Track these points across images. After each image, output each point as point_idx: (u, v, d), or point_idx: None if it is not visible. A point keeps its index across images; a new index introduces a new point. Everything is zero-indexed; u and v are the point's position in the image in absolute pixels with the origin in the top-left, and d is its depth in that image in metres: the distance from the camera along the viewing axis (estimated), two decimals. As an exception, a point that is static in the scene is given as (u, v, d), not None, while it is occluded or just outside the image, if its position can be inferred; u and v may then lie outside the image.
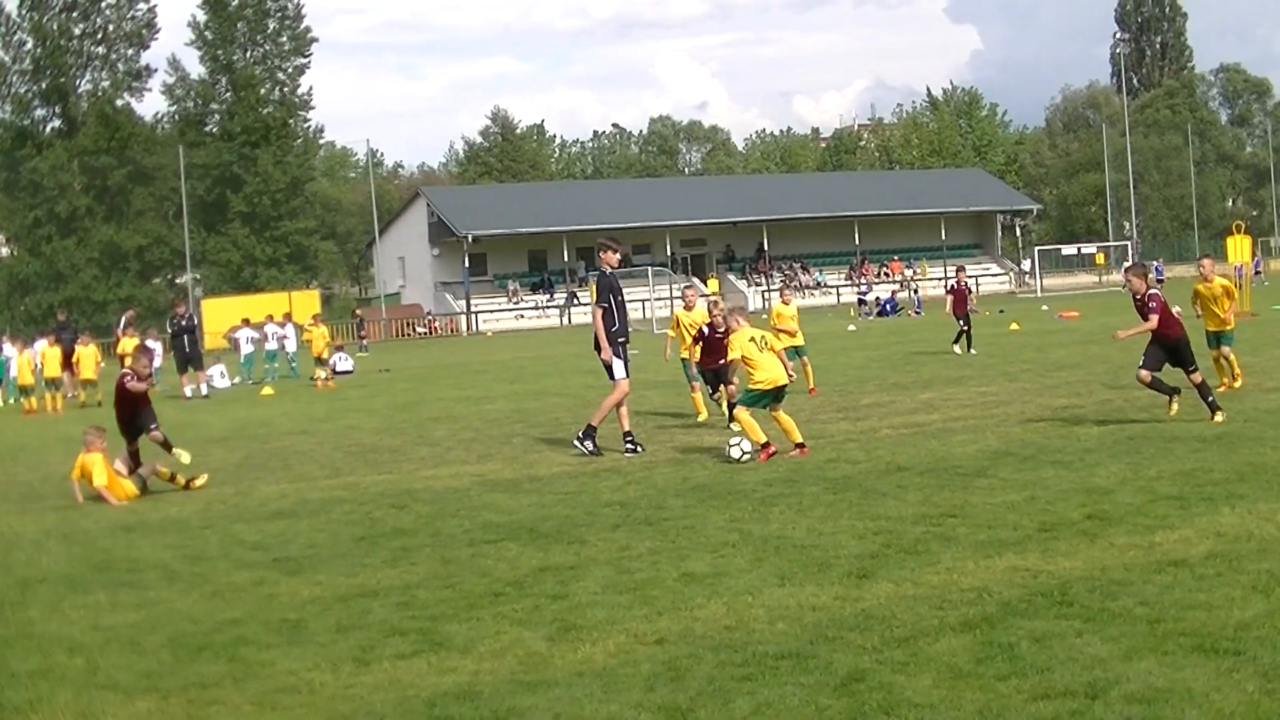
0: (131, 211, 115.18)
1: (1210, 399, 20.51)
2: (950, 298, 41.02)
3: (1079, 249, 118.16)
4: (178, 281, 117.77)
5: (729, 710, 8.36)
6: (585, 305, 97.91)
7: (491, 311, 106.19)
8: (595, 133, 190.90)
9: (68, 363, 45.21)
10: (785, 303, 31.15)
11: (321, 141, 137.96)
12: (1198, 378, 20.83)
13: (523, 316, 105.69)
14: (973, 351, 38.42)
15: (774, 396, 19.94)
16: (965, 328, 39.42)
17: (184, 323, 44.92)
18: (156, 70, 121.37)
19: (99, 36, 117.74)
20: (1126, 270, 28.76)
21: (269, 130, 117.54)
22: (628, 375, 21.65)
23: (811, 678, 8.88)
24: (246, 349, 53.97)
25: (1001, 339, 45.91)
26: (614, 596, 11.51)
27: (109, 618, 12.11)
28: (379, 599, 12.03)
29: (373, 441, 25.53)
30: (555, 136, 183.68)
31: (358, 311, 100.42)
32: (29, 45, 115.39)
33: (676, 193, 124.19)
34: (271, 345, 53.32)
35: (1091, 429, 20.33)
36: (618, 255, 21.93)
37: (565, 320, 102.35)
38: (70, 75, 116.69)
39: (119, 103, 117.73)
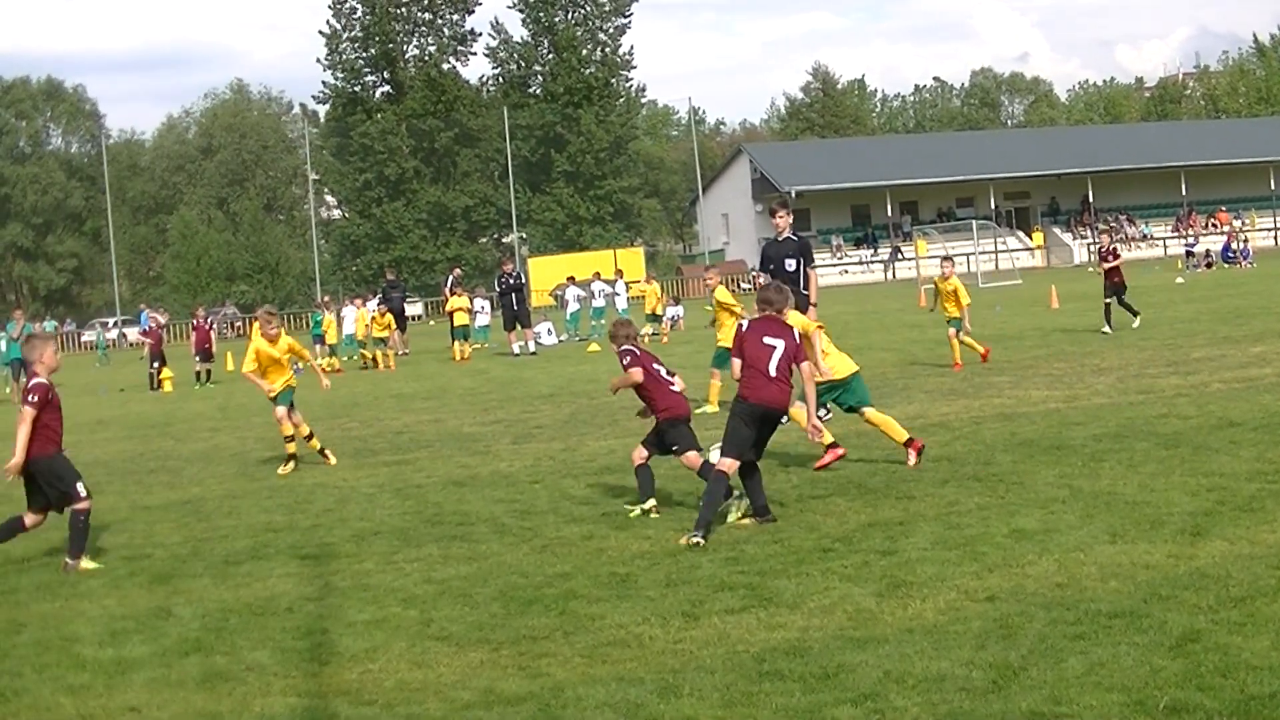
0: (458, 173, 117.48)
1: None
2: None
3: None
4: (504, 241, 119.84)
5: (1061, 670, 8.20)
6: (909, 259, 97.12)
7: (815, 267, 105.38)
8: (916, 86, 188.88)
9: (399, 321, 46.38)
10: (945, 277, 29.71)
11: (643, 100, 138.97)
12: None
13: (846, 272, 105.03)
14: None
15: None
16: None
17: (511, 281, 45.56)
18: (480, 34, 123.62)
19: (425, 3, 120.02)
20: None
21: (591, 90, 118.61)
22: None
23: (1145, 638, 8.67)
24: (573, 306, 54.72)
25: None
26: (943, 553, 11.36)
27: (441, 570, 12.34)
28: (707, 554, 12.05)
29: (700, 398, 25.53)
30: (876, 91, 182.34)
31: (681, 269, 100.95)
32: (359, 13, 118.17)
33: (999, 145, 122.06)
34: (599, 302, 53.93)
35: None
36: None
37: (889, 275, 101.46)
38: (398, 41, 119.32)
39: (445, 67, 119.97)
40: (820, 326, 16.80)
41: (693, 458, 14.43)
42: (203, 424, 29.09)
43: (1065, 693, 7.80)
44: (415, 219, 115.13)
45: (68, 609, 12.13)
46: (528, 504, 15.55)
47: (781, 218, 20.79)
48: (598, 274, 57.13)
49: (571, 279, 61.02)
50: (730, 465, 13.14)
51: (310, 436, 20.67)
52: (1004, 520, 12.37)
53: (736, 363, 13.57)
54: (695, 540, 12.52)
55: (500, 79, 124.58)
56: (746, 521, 13.58)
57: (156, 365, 44.03)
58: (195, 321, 47.70)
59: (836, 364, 16.80)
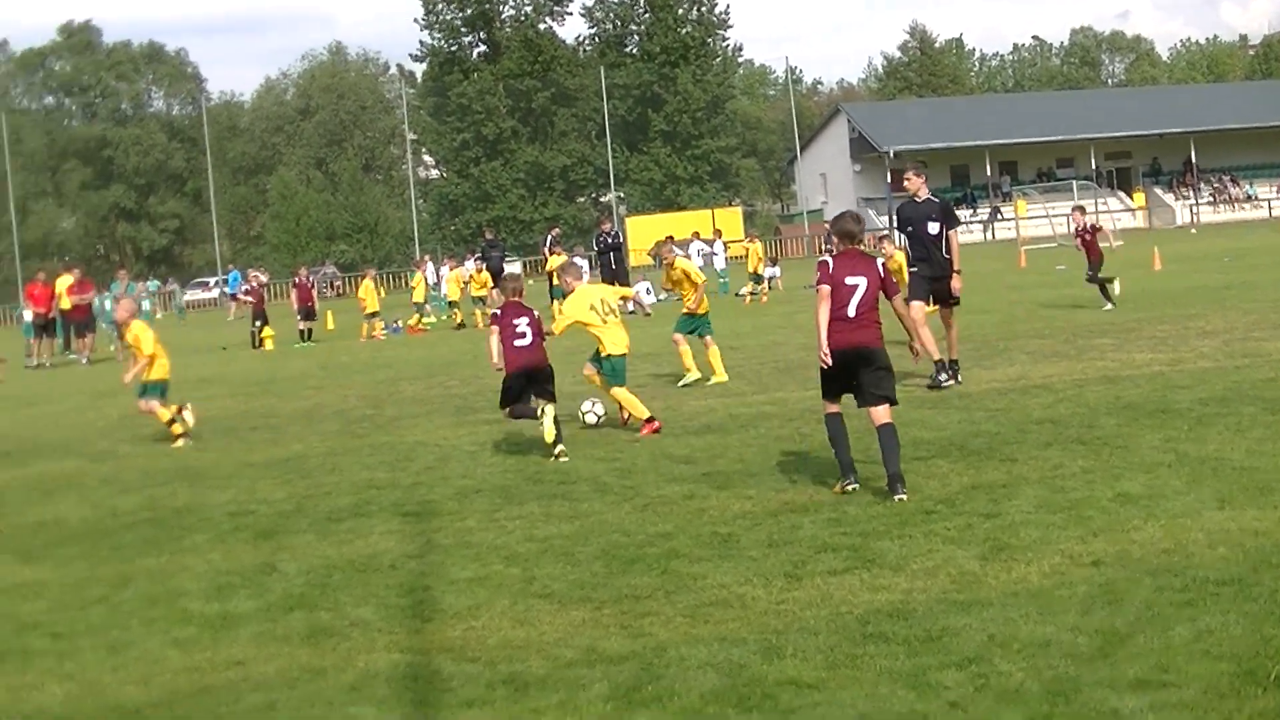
0: (555, 132, 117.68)
1: None
2: None
3: None
4: (601, 200, 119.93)
5: (1168, 637, 8.11)
6: (1009, 220, 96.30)
7: (958, 229, 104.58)
8: (1015, 45, 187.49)
9: (497, 281, 46.43)
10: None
11: (740, 60, 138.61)
12: None
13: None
14: None
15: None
16: None
17: (609, 240, 45.70)
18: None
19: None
20: None
21: (687, 50, 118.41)
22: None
23: (1255, 606, 8.56)
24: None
25: None
26: (1047, 516, 11.27)
27: (543, 528, 12.39)
28: (809, 515, 12.01)
29: (798, 358, 25.45)
30: (974, 50, 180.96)
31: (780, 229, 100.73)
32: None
33: (1100, 105, 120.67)
34: (697, 261, 53.84)
35: None
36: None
37: (989, 235, 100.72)
38: (494, 1, 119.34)
39: (541, 26, 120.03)
40: None
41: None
42: (305, 382, 29.31)
43: (1172, 661, 7.71)
44: (513, 178, 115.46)
45: (173, 563, 12.29)
46: (628, 463, 15.56)
47: (914, 179, 20.29)
48: (696, 234, 57.14)
49: (670, 238, 60.95)
50: (830, 406, 12.99)
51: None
52: (1108, 484, 12.25)
53: (824, 294, 12.91)
54: (849, 487, 12.64)
55: (596, 38, 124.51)
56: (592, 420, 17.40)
57: (259, 324, 44.46)
58: (297, 280, 48.13)
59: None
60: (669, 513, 12.64)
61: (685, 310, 23.08)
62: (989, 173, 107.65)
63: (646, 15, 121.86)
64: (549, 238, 52.56)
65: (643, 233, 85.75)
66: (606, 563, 10.94)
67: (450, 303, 46.87)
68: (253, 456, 18.68)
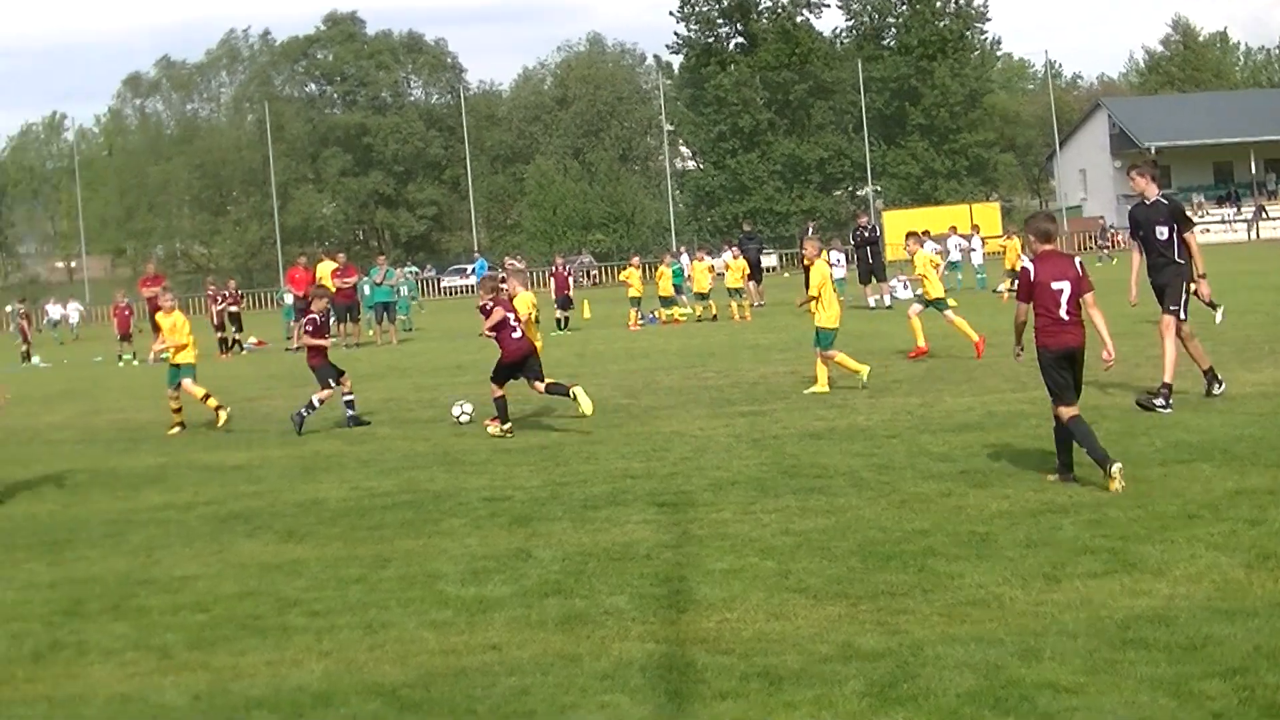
0: (812, 125, 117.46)
1: None
2: None
3: None
4: (858, 194, 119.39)
5: None
6: (1275, 219, 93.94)
7: (1193, 230, 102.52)
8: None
9: (755, 273, 46.51)
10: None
11: (998, 53, 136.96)
12: None
13: (1208, 230, 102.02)
14: None
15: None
16: None
17: (866, 234, 45.42)
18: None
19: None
20: None
21: (945, 43, 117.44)
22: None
23: None
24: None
25: None
26: (1317, 524, 10.98)
27: (799, 522, 12.36)
28: (1068, 515, 11.84)
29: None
30: (1239, 44, 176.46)
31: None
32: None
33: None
34: (954, 256, 53.44)
35: None
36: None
37: (1253, 235, 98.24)
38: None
39: (798, 19, 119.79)
40: None
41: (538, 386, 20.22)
42: (561, 370, 29.50)
43: None
44: (769, 170, 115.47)
45: (431, 546, 12.50)
46: (885, 458, 15.46)
47: (1138, 179, 18.82)
48: (953, 228, 56.59)
49: (925, 233, 60.51)
50: (1066, 411, 13.08)
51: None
52: (1386, 493, 11.89)
53: (1024, 306, 13.45)
54: (1114, 469, 12.69)
55: (853, 31, 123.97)
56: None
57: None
58: (554, 269, 48.59)
59: None
60: (926, 510, 12.55)
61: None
62: (1253, 170, 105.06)
63: (904, 8, 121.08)
64: (810, 228, 52.47)
65: (899, 227, 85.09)
66: (863, 558, 10.89)
67: (700, 294, 46.90)
68: (509, 443, 18.92)
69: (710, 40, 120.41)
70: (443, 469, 16.96)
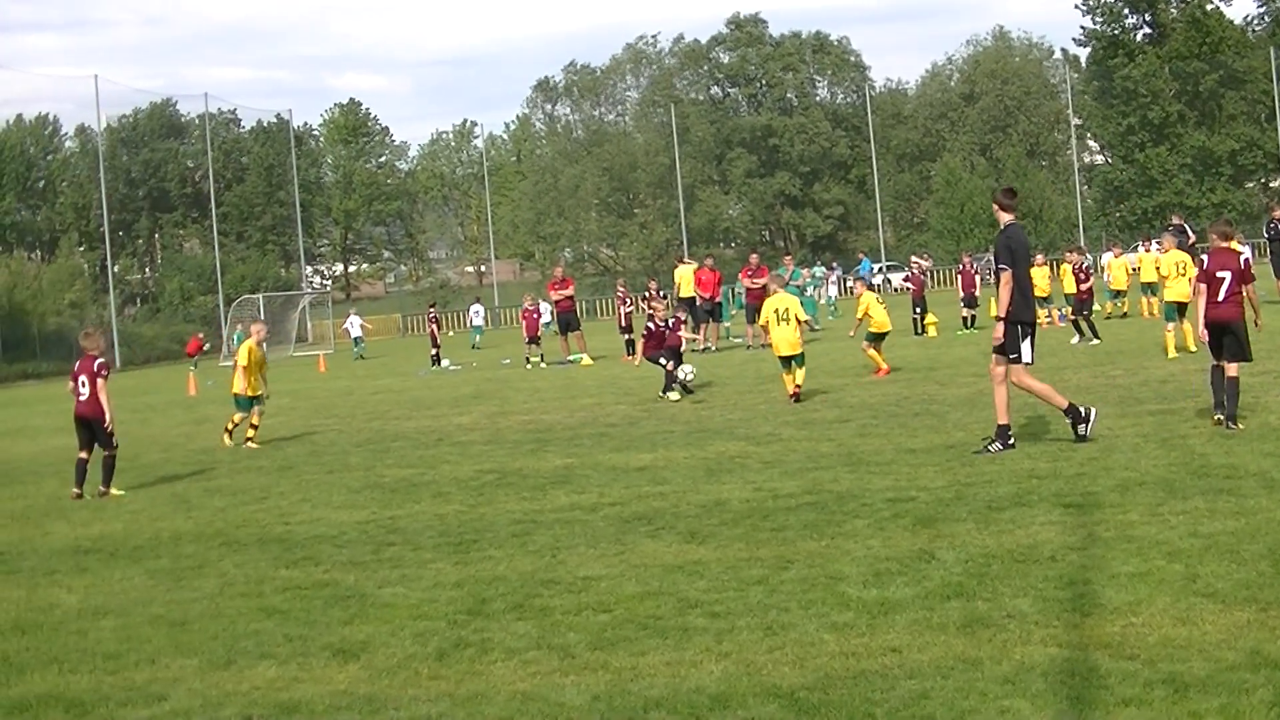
0: (1223, 116, 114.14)
1: None
2: None
3: None
4: (1271, 185, 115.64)
5: None
6: None
7: None
8: None
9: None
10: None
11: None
12: None
13: None
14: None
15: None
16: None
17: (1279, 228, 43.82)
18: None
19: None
20: None
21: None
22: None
23: None
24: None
25: None
26: None
27: (1207, 524, 12.09)
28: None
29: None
30: None
31: None
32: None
33: None
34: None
35: None
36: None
37: None
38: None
39: (1208, 7, 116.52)
40: None
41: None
42: (966, 368, 29.38)
43: None
44: (1179, 163, 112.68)
45: (833, 548, 12.55)
46: (1301, 458, 15.00)
47: None
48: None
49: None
50: (1216, 361, 17.80)
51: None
52: None
53: (1201, 286, 17.86)
54: (1218, 416, 17.59)
55: (1266, 18, 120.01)
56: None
57: (919, 310, 44.93)
58: (961, 267, 48.28)
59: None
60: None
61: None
62: None
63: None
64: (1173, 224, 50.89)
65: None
66: (1273, 563, 10.60)
67: (1116, 292, 45.85)
68: (914, 442, 18.88)
69: (1117, 32, 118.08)
70: (846, 470, 17.01)
